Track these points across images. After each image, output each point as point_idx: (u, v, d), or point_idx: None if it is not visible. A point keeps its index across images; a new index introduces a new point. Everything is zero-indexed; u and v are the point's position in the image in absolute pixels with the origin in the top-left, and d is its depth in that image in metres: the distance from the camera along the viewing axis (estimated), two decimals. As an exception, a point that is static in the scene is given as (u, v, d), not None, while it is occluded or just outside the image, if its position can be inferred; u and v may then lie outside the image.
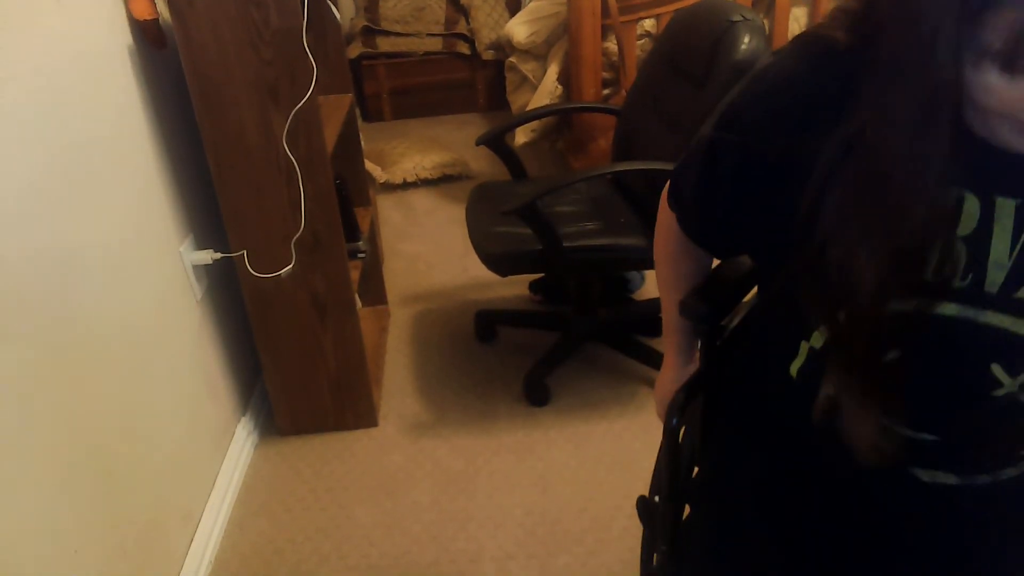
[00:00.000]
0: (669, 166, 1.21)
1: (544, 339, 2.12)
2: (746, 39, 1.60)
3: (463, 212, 2.06)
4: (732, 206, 0.74)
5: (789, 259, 0.67)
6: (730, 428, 0.91)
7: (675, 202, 0.85)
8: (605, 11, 2.55)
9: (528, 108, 2.92)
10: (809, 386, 0.72)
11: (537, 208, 1.70)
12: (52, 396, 1.12)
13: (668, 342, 1.01)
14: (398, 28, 4.03)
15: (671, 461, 0.94)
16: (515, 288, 2.50)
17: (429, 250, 2.82)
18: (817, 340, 0.70)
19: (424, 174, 3.32)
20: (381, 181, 3.27)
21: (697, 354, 0.99)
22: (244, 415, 1.91)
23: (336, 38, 2.01)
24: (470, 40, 4.09)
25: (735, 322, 0.95)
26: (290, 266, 1.68)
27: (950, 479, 0.70)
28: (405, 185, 3.32)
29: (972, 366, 0.64)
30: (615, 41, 2.68)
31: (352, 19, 4.20)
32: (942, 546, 0.75)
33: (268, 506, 1.74)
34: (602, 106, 2.49)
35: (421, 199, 3.24)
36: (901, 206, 0.55)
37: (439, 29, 4.07)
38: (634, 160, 1.98)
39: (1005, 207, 0.59)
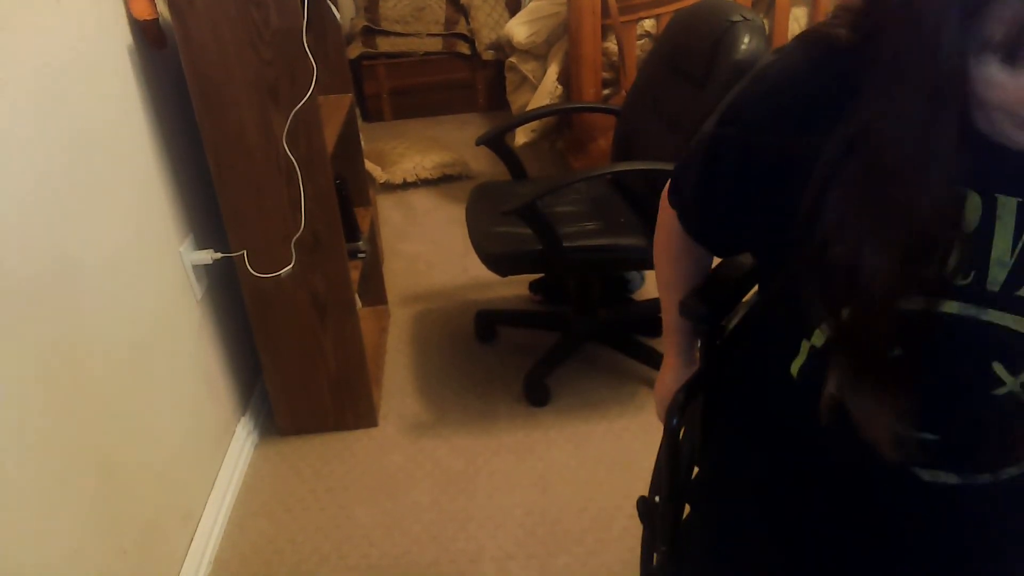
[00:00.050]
0: (669, 166, 1.22)
1: (544, 339, 2.12)
2: (746, 39, 1.60)
3: (463, 212, 2.06)
4: (733, 203, 0.74)
5: (790, 257, 0.67)
6: (730, 428, 0.91)
7: (676, 199, 0.85)
8: (605, 11, 2.55)
9: (528, 108, 2.92)
10: (810, 385, 0.72)
11: (537, 208, 1.70)
12: (52, 396, 1.12)
13: (668, 342, 1.01)
14: (398, 28, 4.03)
15: (671, 461, 0.94)
16: (515, 288, 2.50)
17: (429, 250, 2.82)
18: (818, 338, 0.70)
19: (424, 174, 3.32)
20: (381, 181, 3.27)
21: (697, 354, 0.99)
22: (244, 415, 1.91)
23: (336, 38, 2.01)
24: (470, 40, 4.09)
25: (735, 322, 0.95)
26: (290, 266, 1.68)
27: (951, 478, 0.70)
28: (405, 185, 3.32)
29: (973, 364, 0.64)
30: (615, 41, 2.68)
31: (352, 19, 4.20)
32: (942, 546, 0.75)
33: (268, 506, 1.74)
34: (602, 106, 2.49)
35: (421, 199, 3.24)
36: (910, 201, 0.55)
37: (439, 29, 4.07)
38: (634, 160, 1.98)
39: (1007, 205, 0.59)
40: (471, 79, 4.17)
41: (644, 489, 1.12)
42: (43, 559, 1.08)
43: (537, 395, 1.99)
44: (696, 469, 0.98)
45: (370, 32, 4.03)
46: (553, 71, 2.81)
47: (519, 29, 2.93)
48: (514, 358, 2.16)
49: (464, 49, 4.09)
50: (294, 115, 1.51)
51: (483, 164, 3.41)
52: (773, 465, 0.83)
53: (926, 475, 0.70)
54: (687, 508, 0.97)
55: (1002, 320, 0.61)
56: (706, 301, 0.90)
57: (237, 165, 1.56)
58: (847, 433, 0.66)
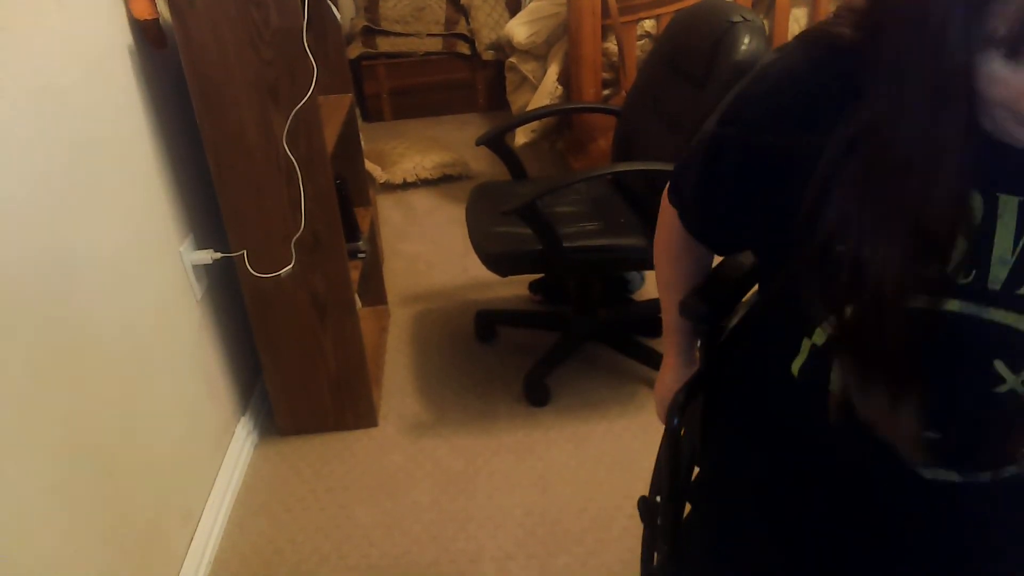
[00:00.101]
0: (669, 166, 1.22)
1: (544, 339, 2.12)
2: (746, 40, 1.60)
3: (463, 212, 2.06)
4: (733, 203, 0.74)
5: (791, 256, 0.67)
6: (730, 428, 0.91)
7: (676, 198, 0.85)
8: (605, 11, 2.56)
9: (528, 108, 2.92)
10: (811, 384, 0.72)
11: (537, 208, 1.70)
12: (52, 396, 1.12)
13: (668, 342, 1.01)
14: (398, 28, 4.03)
15: (672, 461, 0.94)
16: (515, 288, 2.50)
17: (429, 250, 2.82)
18: (820, 336, 0.70)
19: (424, 174, 3.32)
20: (381, 181, 3.27)
21: (697, 354, 0.99)
22: (244, 415, 1.91)
23: (336, 38, 2.01)
24: (470, 40, 4.09)
25: (735, 321, 0.95)
26: (290, 266, 1.68)
27: (952, 476, 0.70)
28: (405, 185, 3.32)
29: (975, 362, 0.64)
30: (615, 41, 2.68)
31: (352, 19, 4.20)
32: (942, 545, 0.75)
33: (268, 506, 1.74)
34: (602, 106, 2.49)
35: (421, 199, 3.25)
36: (918, 199, 0.55)
37: (439, 29, 4.07)
38: (634, 160, 1.98)
39: (1008, 204, 0.59)
40: (471, 79, 4.18)
41: (644, 489, 1.13)
42: (43, 559, 1.08)
43: (537, 395, 1.99)
44: (696, 469, 0.98)
45: (370, 32, 4.03)
46: (553, 71, 2.81)
47: (519, 29, 2.93)
48: (514, 358, 2.16)
49: (464, 49, 4.09)
50: (294, 115, 1.52)
51: (483, 164, 3.42)
52: (773, 465, 0.83)
53: (927, 473, 0.70)
54: (687, 508, 0.97)
55: (1003, 318, 0.62)
56: (706, 301, 0.90)
57: (237, 165, 1.56)
58: (851, 432, 0.66)
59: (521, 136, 2.93)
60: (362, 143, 2.34)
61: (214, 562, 1.60)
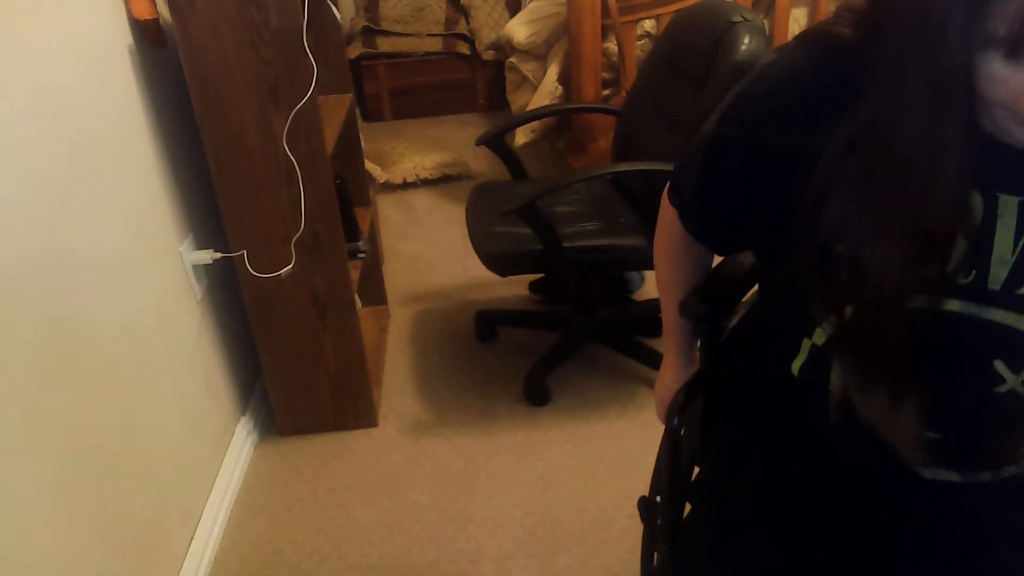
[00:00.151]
0: (669, 166, 1.22)
1: (544, 339, 2.12)
2: (746, 40, 1.60)
3: (463, 212, 2.06)
4: (733, 202, 0.74)
5: (791, 255, 0.67)
6: (730, 428, 0.91)
7: (676, 198, 0.85)
8: (605, 11, 2.56)
9: (528, 108, 2.92)
10: (811, 384, 0.72)
11: (537, 208, 1.70)
12: (52, 396, 1.12)
13: (668, 342, 1.01)
14: (398, 28, 4.03)
15: (672, 461, 0.94)
16: (515, 288, 2.50)
17: (429, 250, 2.82)
18: (819, 336, 0.70)
19: (424, 174, 3.32)
20: (381, 181, 3.27)
21: (697, 354, 0.99)
22: (244, 415, 1.91)
23: (336, 38, 2.01)
24: (470, 40, 4.09)
25: (735, 321, 0.95)
26: (290, 266, 1.68)
27: (952, 476, 0.70)
28: (405, 185, 3.32)
29: (975, 362, 0.64)
30: (615, 41, 2.68)
31: (352, 19, 4.20)
32: (943, 545, 0.75)
33: (268, 506, 1.74)
34: (602, 106, 2.49)
35: (421, 199, 3.25)
36: (919, 199, 0.55)
37: (439, 29, 4.07)
38: (634, 160, 1.98)
39: (1008, 204, 0.59)
40: (471, 79, 4.18)
41: (644, 489, 1.13)
42: (43, 559, 1.08)
43: (537, 395, 1.99)
44: (697, 469, 0.98)
45: (370, 32, 4.03)
46: (553, 71, 2.81)
47: (519, 29, 2.93)
48: (514, 358, 2.16)
49: (464, 49, 4.09)
50: (294, 115, 1.52)
51: (483, 164, 3.42)
52: (773, 465, 0.83)
53: (927, 473, 0.70)
54: (688, 508, 0.97)
55: (1003, 318, 0.62)
56: (706, 301, 0.90)
57: (237, 165, 1.56)
58: (851, 432, 0.66)
59: (521, 136, 2.94)
60: (362, 143, 2.34)
61: (214, 562, 1.60)
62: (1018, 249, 0.60)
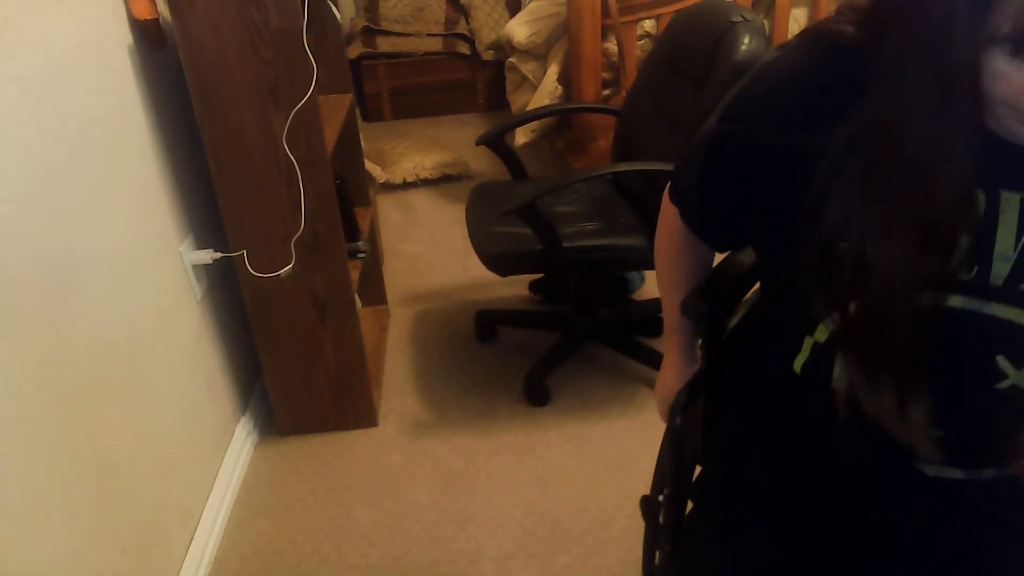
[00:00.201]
0: (669, 166, 1.22)
1: (544, 339, 2.12)
2: (746, 40, 1.60)
3: (463, 212, 2.06)
4: (734, 200, 0.74)
5: (793, 253, 0.67)
6: (732, 427, 0.91)
7: (677, 197, 0.85)
8: (605, 11, 2.56)
9: (528, 108, 2.93)
10: (812, 381, 0.72)
11: (537, 208, 1.70)
12: (52, 396, 1.12)
13: (669, 342, 1.01)
14: (398, 28, 4.03)
15: (673, 460, 0.94)
16: (515, 288, 2.50)
17: (429, 250, 2.82)
18: (822, 334, 0.70)
19: (424, 174, 3.32)
20: (381, 181, 3.27)
21: (698, 353, 0.99)
22: (244, 415, 1.91)
23: (336, 38, 2.01)
24: (470, 40, 4.09)
25: (736, 320, 0.95)
26: (290, 266, 1.68)
27: (956, 474, 0.70)
28: (405, 185, 3.32)
29: (977, 358, 0.65)
30: (615, 41, 2.68)
31: (352, 19, 4.20)
32: (944, 543, 0.75)
33: (268, 506, 1.74)
34: (602, 106, 2.49)
35: (421, 199, 3.24)
36: (926, 196, 0.55)
37: (439, 29, 4.07)
38: (634, 160, 1.98)
39: (1010, 201, 0.59)
40: (471, 79, 4.18)
41: (644, 489, 1.12)
42: (43, 559, 1.08)
43: (537, 395, 1.99)
44: (698, 468, 0.98)
45: (370, 32, 4.03)
46: (553, 71, 2.81)
47: (519, 29, 2.93)
48: (514, 358, 2.16)
49: (464, 49, 4.09)
50: (294, 115, 1.51)
51: (483, 164, 3.42)
52: (774, 464, 0.83)
53: (931, 470, 0.70)
54: (689, 507, 0.97)
55: (1006, 314, 0.62)
56: (708, 299, 0.90)
57: (237, 165, 1.56)
58: (854, 430, 0.66)
59: (521, 136, 2.94)
60: (362, 143, 2.34)
61: (214, 562, 1.60)
62: (1020, 245, 0.60)
